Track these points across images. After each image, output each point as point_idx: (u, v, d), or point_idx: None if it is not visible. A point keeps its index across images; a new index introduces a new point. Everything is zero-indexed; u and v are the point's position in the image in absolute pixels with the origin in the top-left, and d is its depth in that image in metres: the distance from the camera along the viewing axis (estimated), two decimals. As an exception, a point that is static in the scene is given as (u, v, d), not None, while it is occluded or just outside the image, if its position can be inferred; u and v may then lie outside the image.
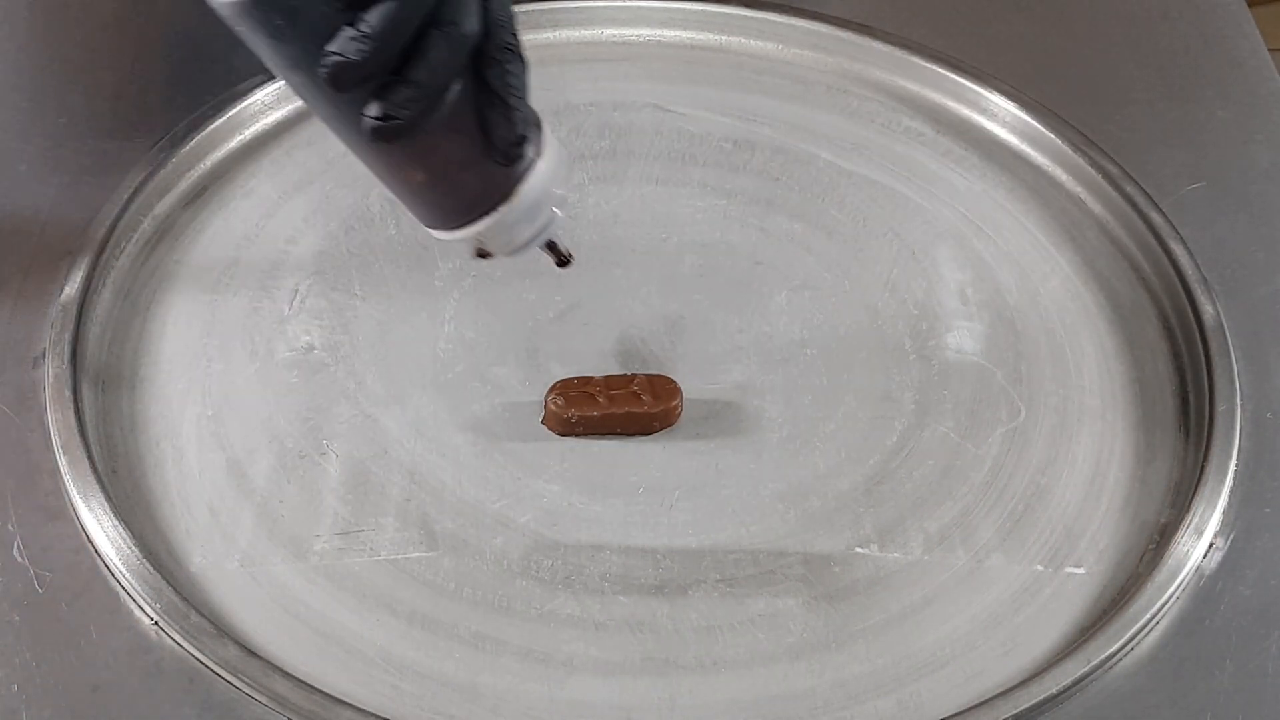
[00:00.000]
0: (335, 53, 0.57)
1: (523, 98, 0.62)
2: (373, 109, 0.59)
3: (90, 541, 0.70)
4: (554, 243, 0.70)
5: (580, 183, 0.88)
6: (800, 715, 0.67)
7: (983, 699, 0.67)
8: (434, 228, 0.67)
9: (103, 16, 0.97)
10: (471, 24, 0.59)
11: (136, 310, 0.81)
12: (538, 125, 0.66)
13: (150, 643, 0.67)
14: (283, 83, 0.91)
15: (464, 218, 0.66)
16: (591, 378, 0.77)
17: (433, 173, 0.64)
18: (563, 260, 0.71)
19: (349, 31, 0.57)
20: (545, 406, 0.76)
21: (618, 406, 0.75)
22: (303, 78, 0.60)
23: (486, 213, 0.65)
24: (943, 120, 0.93)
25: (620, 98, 0.93)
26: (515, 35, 0.62)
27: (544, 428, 0.76)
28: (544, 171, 0.66)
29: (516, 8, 0.93)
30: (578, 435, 0.76)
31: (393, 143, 0.61)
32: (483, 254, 0.68)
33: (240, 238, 0.85)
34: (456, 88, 0.61)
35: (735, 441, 0.77)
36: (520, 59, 0.62)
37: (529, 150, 0.64)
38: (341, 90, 0.58)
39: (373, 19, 0.57)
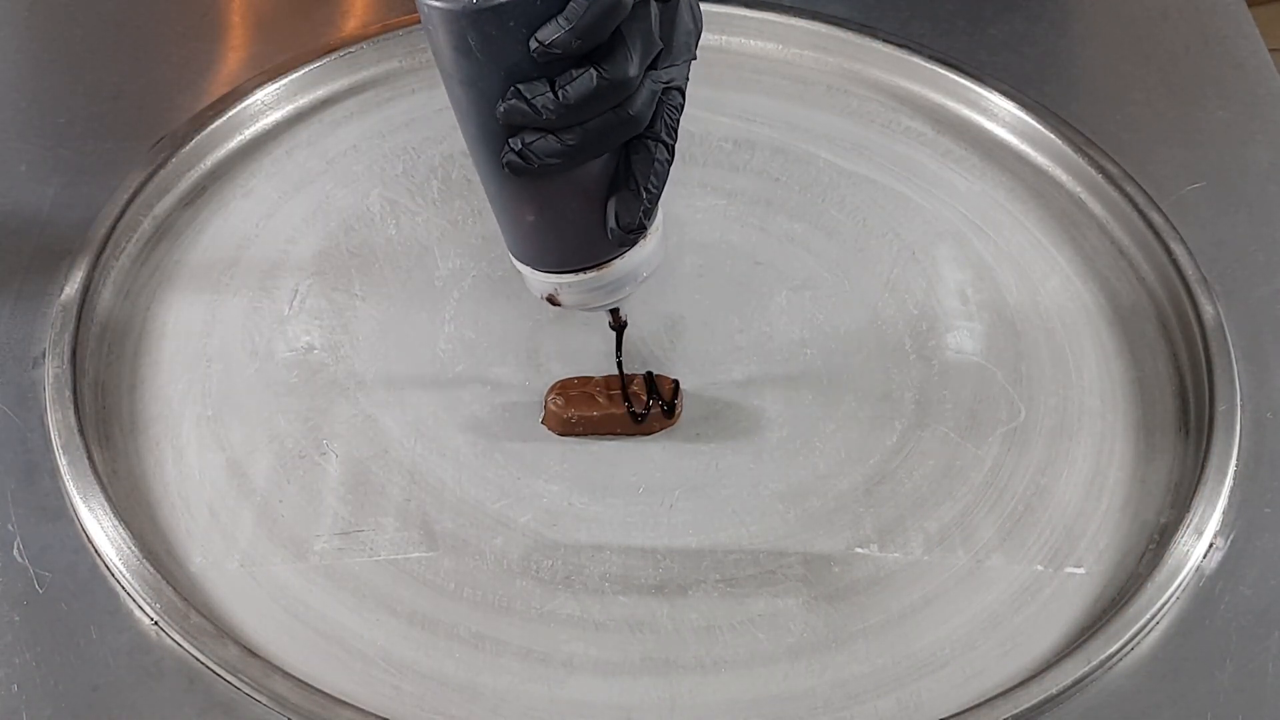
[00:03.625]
0: (524, 99, 0.59)
1: (657, 191, 0.64)
2: (517, 143, 0.61)
3: (90, 541, 0.70)
4: (616, 309, 0.73)
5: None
6: (800, 715, 0.67)
7: (983, 699, 0.67)
8: (521, 260, 0.69)
9: (103, 16, 0.97)
10: (640, 108, 0.61)
11: (136, 310, 0.81)
12: (656, 213, 0.68)
13: (150, 643, 0.67)
14: (283, 83, 0.92)
15: (553, 267, 0.68)
16: (591, 378, 0.77)
17: (544, 219, 0.66)
18: (618, 325, 0.74)
19: (546, 89, 0.59)
20: (545, 406, 0.76)
21: (618, 406, 0.75)
22: (473, 96, 0.61)
23: (575, 270, 0.67)
24: (943, 120, 0.93)
25: (620, 98, 0.93)
26: (674, 133, 0.64)
27: (544, 428, 0.76)
28: (640, 256, 0.68)
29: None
30: (578, 435, 0.76)
31: (520, 177, 0.62)
32: (553, 301, 0.70)
33: (240, 238, 0.85)
34: (602, 157, 0.63)
35: (735, 441, 0.77)
36: (670, 156, 0.64)
37: (640, 237, 0.66)
38: (508, 129, 0.61)
39: (572, 93, 0.59)
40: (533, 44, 0.58)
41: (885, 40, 0.95)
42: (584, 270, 0.67)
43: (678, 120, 0.64)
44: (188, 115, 0.89)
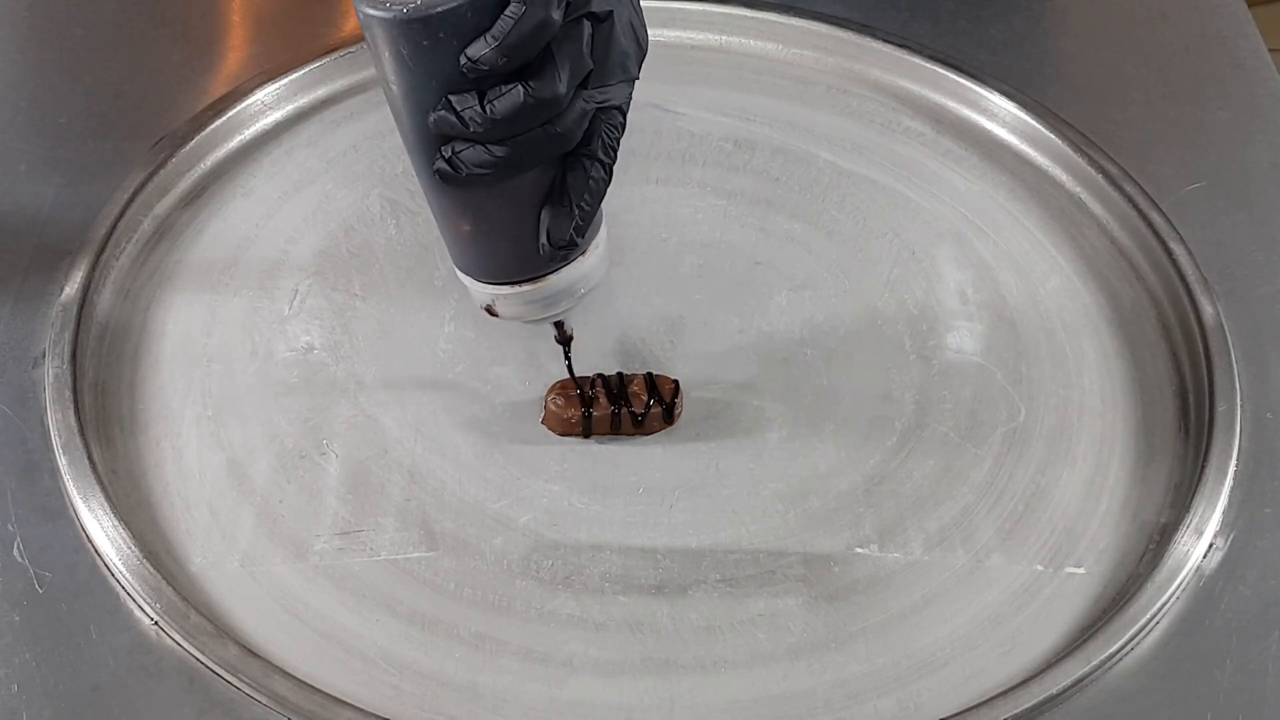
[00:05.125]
0: (453, 110, 0.60)
1: (590, 209, 0.65)
2: (447, 152, 0.62)
3: (90, 541, 0.70)
4: (560, 322, 0.73)
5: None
6: (800, 715, 0.67)
7: (983, 699, 0.67)
8: (460, 269, 0.70)
9: (103, 16, 0.97)
10: (569, 125, 0.61)
11: (136, 310, 0.81)
12: (596, 228, 0.68)
13: (150, 643, 0.67)
14: (283, 83, 0.92)
15: (490, 278, 0.69)
16: (591, 377, 0.77)
17: (480, 230, 0.67)
18: (563, 339, 0.74)
19: (474, 102, 0.60)
20: (545, 406, 0.76)
21: (618, 406, 0.75)
22: (409, 106, 0.62)
23: (512, 283, 0.68)
24: (943, 120, 0.93)
25: (620, 98, 0.93)
26: (611, 153, 0.64)
27: (544, 428, 0.76)
28: (579, 271, 0.68)
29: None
30: (578, 435, 0.76)
31: (450, 186, 0.63)
32: (491, 312, 0.70)
33: (240, 238, 0.85)
34: (537, 171, 0.64)
35: (735, 441, 0.77)
36: (607, 175, 0.65)
37: (574, 253, 0.67)
38: (440, 137, 0.61)
39: (499, 108, 0.60)
40: (462, 60, 0.59)
41: (885, 40, 0.95)
42: (520, 283, 0.68)
43: (617, 140, 0.64)
44: (188, 115, 0.89)
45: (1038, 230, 0.87)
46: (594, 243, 0.69)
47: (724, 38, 0.97)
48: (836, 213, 0.88)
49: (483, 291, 0.70)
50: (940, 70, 0.94)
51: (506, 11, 0.58)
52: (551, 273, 0.68)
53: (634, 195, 0.88)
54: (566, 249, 0.65)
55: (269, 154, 0.90)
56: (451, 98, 0.60)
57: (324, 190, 0.88)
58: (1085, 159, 0.89)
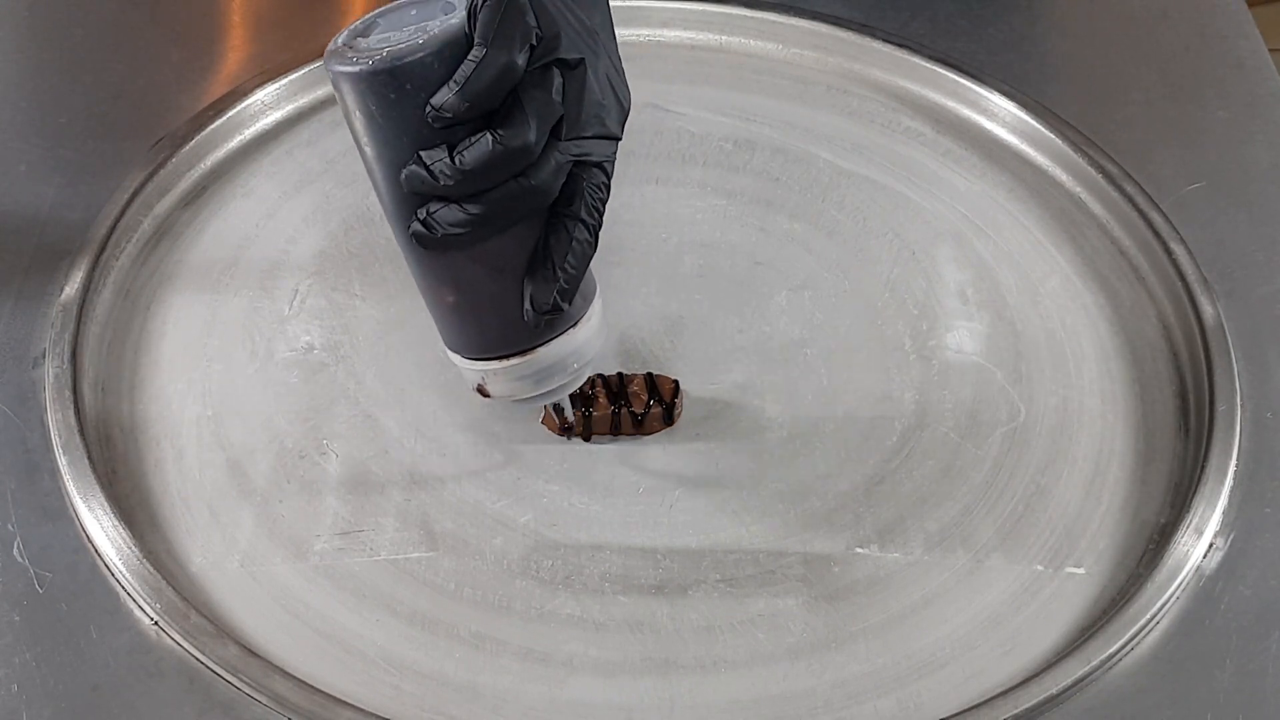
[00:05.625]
0: (423, 164, 0.59)
1: (574, 272, 0.63)
2: (422, 213, 0.60)
3: (90, 541, 0.70)
4: (561, 407, 0.72)
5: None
6: (800, 715, 0.67)
7: (983, 699, 0.67)
8: (449, 348, 0.68)
9: (103, 16, 0.97)
10: (544, 178, 0.60)
11: (136, 310, 0.81)
12: (588, 298, 0.67)
13: (150, 643, 0.67)
14: (283, 83, 0.92)
15: (478, 353, 0.67)
16: (591, 378, 0.77)
17: (464, 299, 0.65)
18: (564, 427, 0.74)
19: (444, 156, 0.58)
20: (544, 406, 0.76)
21: (618, 406, 0.75)
22: (381, 167, 0.61)
23: (499, 357, 0.67)
24: (943, 120, 0.93)
25: (620, 98, 0.93)
26: (595, 214, 0.63)
27: (544, 427, 0.76)
28: (571, 345, 0.67)
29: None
30: (577, 435, 0.76)
31: (427, 249, 0.62)
32: (482, 392, 0.69)
33: (240, 238, 0.85)
34: (518, 231, 0.62)
35: (735, 441, 0.77)
36: (591, 237, 0.63)
37: (560, 321, 0.65)
38: (412, 193, 0.60)
39: (469, 158, 0.58)
40: (428, 110, 0.58)
41: (885, 40, 0.95)
42: (508, 357, 0.67)
43: (601, 200, 0.63)
44: (188, 115, 0.89)
45: (1038, 230, 0.87)
46: (586, 315, 0.67)
47: (724, 38, 0.97)
48: (836, 213, 0.88)
49: (472, 369, 0.68)
50: (940, 70, 0.94)
51: (469, 57, 0.58)
52: (540, 345, 0.66)
53: (634, 195, 0.88)
54: (551, 314, 0.64)
55: (269, 154, 0.90)
56: (422, 153, 0.59)
57: (324, 190, 0.88)
58: (1085, 159, 0.89)
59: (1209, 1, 1.01)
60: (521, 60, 0.58)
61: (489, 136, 0.59)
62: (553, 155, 0.60)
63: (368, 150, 0.62)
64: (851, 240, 0.86)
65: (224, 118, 0.89)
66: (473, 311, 0.66)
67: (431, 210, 0.61)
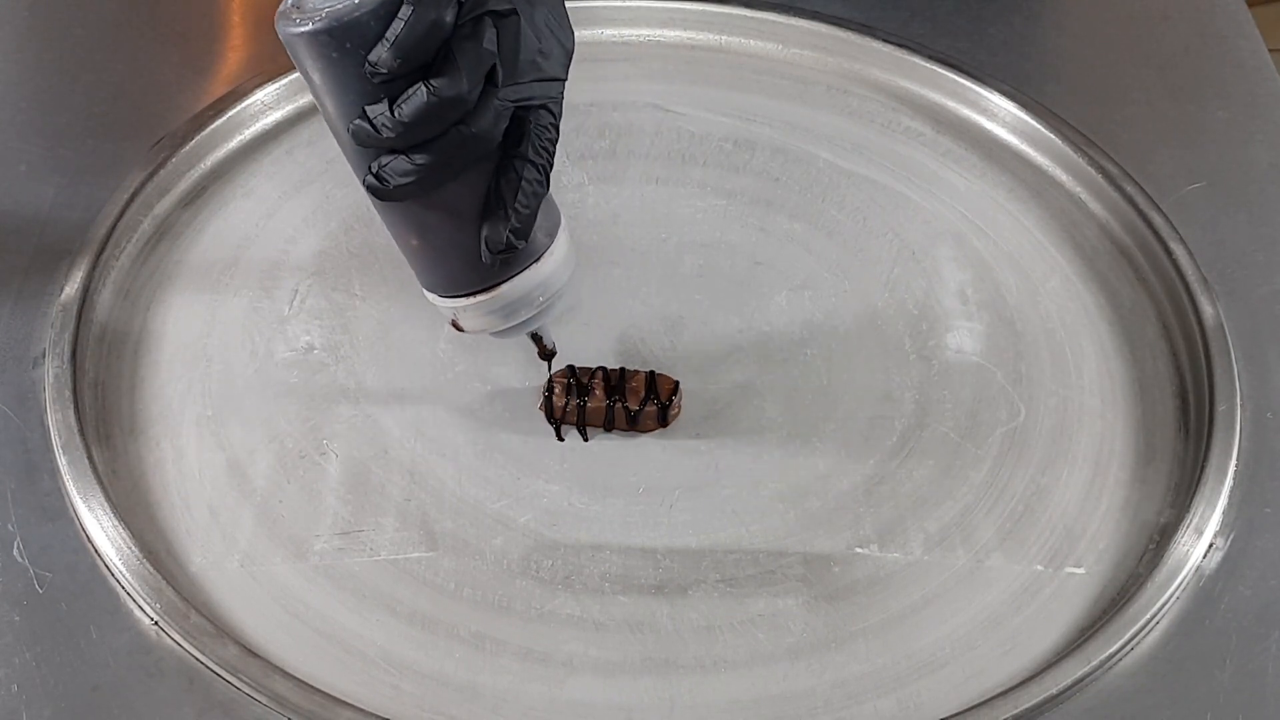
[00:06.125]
0: (368, 119, 0.61)
1: (526, 211, 0.65)
2: (373, 167, 0.63)
3: (90, 541, 0.70)
4: (538, 335, 0.73)
5: (580, 183, 0.88)
6: (800, 715, 0.67)
7: (983, 699, 0.67)
8: (424, 287, 0.70)
9: (103, 16, 0.97)
10: (484, 126, 0.62)
11: (136, 310, 0.81)
12: (550, 233, 0.68)
13: (150, 643, 0.67)
14: (283, 83, 0.92)
15: (447, 291, 0.68)
16: (593, 370, 0.77)
17: (426, 242, 0.67)
18: (544, 354, 0.74)
19: (385, 109, 0.61)
20: (542, 394, 0.76)
21: (613, 400, 0.75)
22: (337, 126, 0.64)
23: (467, 295, 0.68)
24: (943, 120, 0.93)
25: (620, 98, 0.93)
26: (543, 154, 0.64)
27: (544, 426, 0.76)
28: (536, 278, 0.68)
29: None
30: (571, 425, 0.76)
31: (383, 200, 0.64)
32: (456, 326, 0.70)
33: (240, 238, 0.85)
34: (469, 177, 0.64)
35: (735, 441, 0.77)
36: (542, 179, 0.65)
37: (521, 257, 0.67)
38: (362, 146, 0.62)
39: (406, 110, 0.60)
40: (366, 67, 0.60)
41: (885, 40, 0.95)
42: (474, 294, 0.68)
43: (549, 140, 0.64)
44: (188, 115, 0.89)
45: (1038, 230, 0.87)
46: (549, 249, 0.68)
47: (724, 38, 0.97)
48: (836, 213, 0.88)
49: (445, 306, 0.69)
50: (940, 70, 0.94)
51: (399, 15, 0.60)
52: (505, 281, 0.67)
53: (634, 195, 0.88)
54: (506, 253, 0.65)
55: (269, 154, 0.90)
56: (366, 107, 0.61)
57: (324, 190, 0.88)
58: (1085, 159, 0.89)
59: (1209, 1, 1.01)
60: (450, 15, 0.60)
61: (423, 88, 0.60)
62: (491, 102, 0.62)
63: (324, 108, 0.64)
64: (851, 240, 0.86)
65: (224, 118, 0.89)
66: (436, 253, 0.67)
67: (383, 163, 0.63)
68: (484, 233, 0.65)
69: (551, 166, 0.65)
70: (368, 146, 0.62)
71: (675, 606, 0.70)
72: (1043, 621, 0.70)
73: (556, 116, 0.65)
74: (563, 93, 0.65)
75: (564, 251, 0.69)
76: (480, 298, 0.68)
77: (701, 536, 0.73)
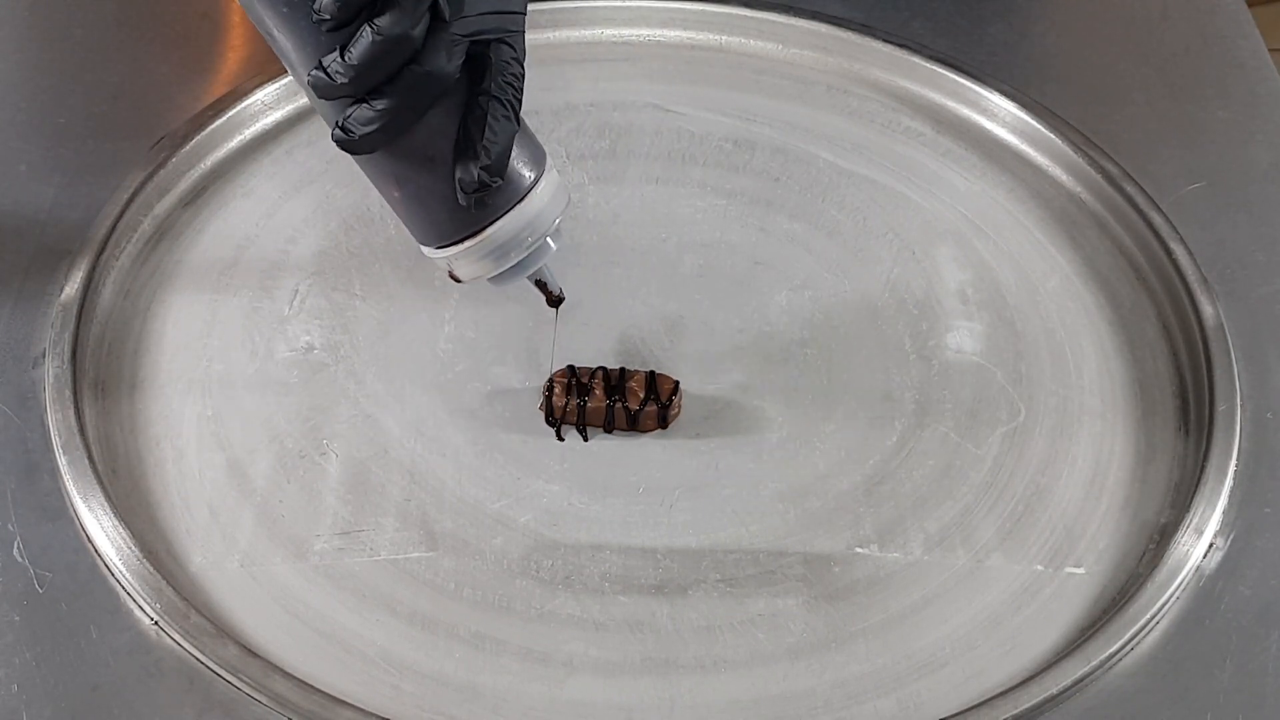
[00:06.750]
0: (322, 68, 0.61)
1: (496, 148, 0.64)
2: (340, 120, 0.63)
3: (90, 541, 0.70)
4: (543, 281, 0.72)
5: (580, 183, 0.88)
6: (800, 715, 0.67)
7: (983, 699, 0.67)
8: (419, 242, 0.69)
9: (103, 16, 0.97)
10: (438, 64, 0.62)
11: (136, 310, 0.81)
12: (533, 169, 0.67)
13: (150, 643, 0.67)
14: (283, 83, 0.92)
15: (437, 241, 0.68)
16: (594, 369, 0.77)
17: (406, 191, 0.66)
18: (551, 300, 0.73)
19: (336, 56, 0.61)
20: (542, 394, 0.76)
21: (613, 400, 0.75)
22: (297, 75, 0.64)
23: (455, 242, 0.67)
24: (943, 120, 0.93)
25: (620, 98, 0.93)
26: (508, 89, 0.64)
27: (544, 426, 0.76)
28: (522, 218, 0.67)
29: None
30: (571, 425, 0.76)
31: (354, 154, 0.64)
32: (454, 278, 0.70)
33: (240, 238, 0.85)
34: (438, 121, 0.64)
35: (735, 441, 0.77)
36: (509, 114, 0.64)
37: (504, 198, 0.66)
38: (325, 99, 0.63)
39: (355, 53, 0.61)
40: (313, 16, 0.61)
41: (885, 40, 0.95)
42: (462, 240, 0.67)
43: (514, 75, 0.64)
44: (188, 115, 0.89)
45: (1038, 230, 0.87)
46: (534, 188, 0.67)
47: (724, 38, 0.97)
48: (836, 213, 0.88)
49: (438, 257, 0.69)
50: (940, 70, 0.94)
51: None
52: (490, 224, 0.67)
53: (634, 195, 0.88)
54: (480, 192, 0.65)
55: (269, 154, 0.90)
56: (322, 59, 0.61)
57: (324, 190, 0.88)
58: (1085, 159, 0.89)
59: (1209, 1, 1.01)
60: None
61: (368, 29, 0.60)
62: (441, 38, 0.62)
63: (293, 72, 0.64)
64: (851, 240, 0.86)
65: (224, 118, 0.89)
66: (419, 202, 0.67)
67: (346, 114, 0.63)
68: (457, 174, 0.64)
69: (520, 102, 0.64)
70: (330, 99, 0.62)
71: (675, 606, 0.70)
72: (1043, 621, 0.70)
73: (519, 50, 0.64)
74: (523, 26, 0.65)
75: (551, 190, 0.68)
76: (469, 243, 0.67)
77: (701, 536, 0.73)
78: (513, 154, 0.66)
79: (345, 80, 0.61)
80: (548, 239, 0.69)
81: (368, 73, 0.61)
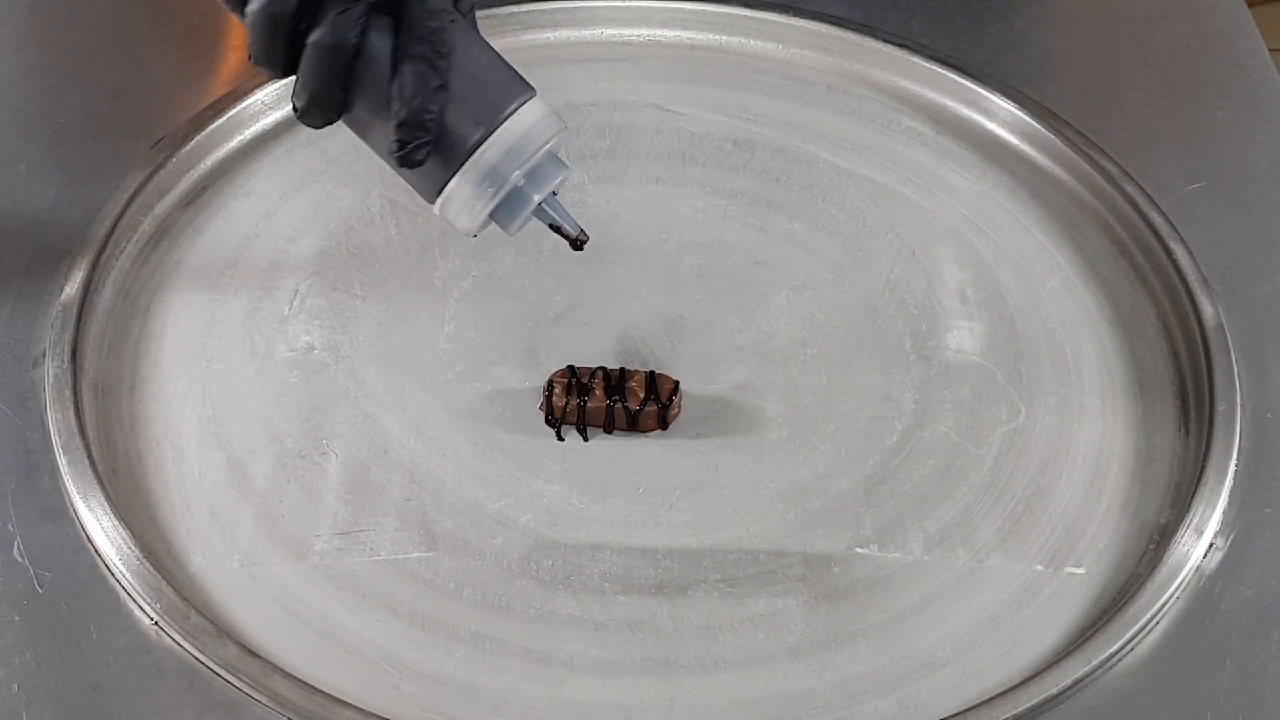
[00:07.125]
0: (249, 51, 0.64)
1: (414, 101, 0.63)
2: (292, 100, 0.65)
3: (90, 541, 0.70)
4: (557, 225, 0.69)
5: (580, 183, 0.88)
6: (800, 715, 0.67)
7: (983, 699, 0.67)
8: (426, 199, 0.68)
9: (103, 16, 0.97)
10: (335, 35, 0.62)
11: (136, 310, 0.81)
12: (512, 100, 0.65)
13: (150, 643, 0.67)
14: (283, 83, 0.92)
15: (435, 189, 0.66)
16: (594, 369, 0.77)
17: (381, 154, 0.66)
18: (574, 243, 0.70)
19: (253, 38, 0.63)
20: (542, 394, 0.76)
21: (613, 401, 0.75)
22: None
23: (441, 189, 0.66)
24: (943, 120, 0.93)
25: (620, 98, 0.93)
26: (424, 44, 0.63)
27: (544, 426, 0.76)
28: (507, 136, 0.65)
29: (517, 8, 0.93)
30: (571, 425, 0.76)
31: (316, 128, 0.65)
32: (466, 233, 0.68)
33: (240, 238, 0.85)
34: (378, 88, 0.64)
35: (735, 441, 0.77)
36: (425, 69, 0.63)
37: (418, 155, 0.64)
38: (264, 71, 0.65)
39: (249, 32, 0.63)
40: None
41: (885, 40, 0.95)
42: (444, 187, 0.66)
43: (428, 29, 0.63)
44: (188, 115, 0.89)
45: (1038, 230, 0.87)
46: (519, 113, 0.65)
47: (724, 38, 0.97)
48: (836, 213, 0.88)
49: (437, 211, 0.67)
50: (940, 70, 0.94)
51: None
52: (468, 158, 0.65)
53: (634, 195, 0.88)
54: (405, 152, 0.64)
55: (269, 154, 0.90)
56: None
57: (324, 190, 0.88)
58: (1085, 159, 0.89)
59: (1209, 1, 1.01)
60: None
61: (254, 5, 0.62)
62: (331, 8, 0.62)
63: None
64: (851, 240, 0.86)
65: (224, 118, 0.89)
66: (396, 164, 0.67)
67: (294, 92, 0.64)
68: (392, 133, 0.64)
69: (441, 55, 0.63)
70: (268, 73, 0.64)
71: (675, 606, 0.70)
72: (1043, 621, 0.70)
73: (433, 3, 0.64)
74: None
75: (536, 114, 0.66)
76: (451, 185, 0.66)
77: (701, 536, 0.73)
78: (482, 86, 0.65)
79: (253, 55, 0.63)
80: (552, 159, 0.67)
81: (266, 48, 0.63)
